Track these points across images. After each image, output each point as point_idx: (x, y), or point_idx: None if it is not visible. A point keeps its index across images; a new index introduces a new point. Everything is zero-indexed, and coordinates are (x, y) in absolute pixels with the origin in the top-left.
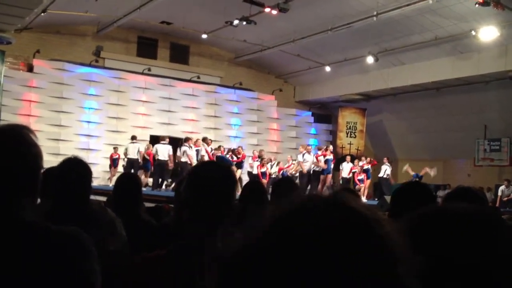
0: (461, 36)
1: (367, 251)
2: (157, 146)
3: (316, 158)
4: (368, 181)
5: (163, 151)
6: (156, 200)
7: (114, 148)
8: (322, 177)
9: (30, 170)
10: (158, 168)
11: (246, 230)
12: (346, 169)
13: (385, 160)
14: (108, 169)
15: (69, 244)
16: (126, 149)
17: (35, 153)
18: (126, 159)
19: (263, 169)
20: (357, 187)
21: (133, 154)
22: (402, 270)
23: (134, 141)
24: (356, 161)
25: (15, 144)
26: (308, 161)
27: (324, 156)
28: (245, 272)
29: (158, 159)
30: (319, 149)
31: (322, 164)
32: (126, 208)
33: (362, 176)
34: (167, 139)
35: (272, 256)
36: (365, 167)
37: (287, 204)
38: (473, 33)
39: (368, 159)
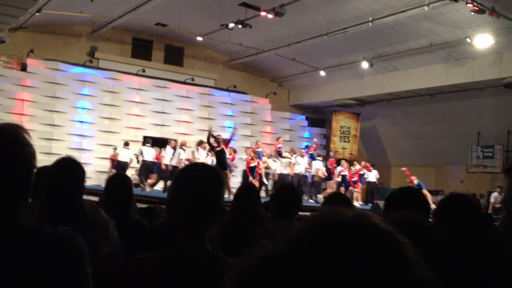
0: (456, 43)
1: (394, 271)
2: (142, 148)
3: (331, 166)
4: (363, 186)
5: (148, 153)
6: (148, 201)
7: (115, 149)
8: (328, 183)
9: (24, 171)
10: (143, 168)
11: (273, 239)
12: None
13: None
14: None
15: (61, 245)
16: (117, 153)
17: (28, 153)
18: (116, 162)
19: (253, 164)
20: (350, 188)
21: (123, 158)
22: None
23: (127, 147)
24: (346, 164)
25: (8, 144)
26: (300, 164)
27: (332, 164)
28: (270, 278)
29: (143, 160)
30: (319, 156)
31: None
32: (117, 209)
33: (355, 178)
34: (174, 143)
35: (298, 266)
36: (361, 172)
37: (317, 218)
38: (468, 40)
39: (363, 163)
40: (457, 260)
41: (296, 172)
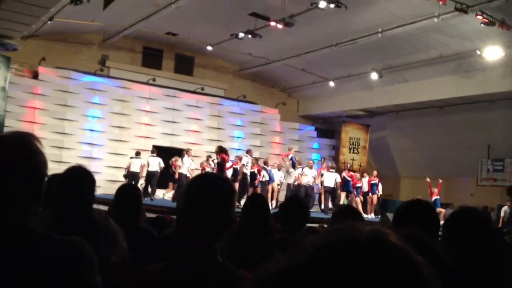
0: (465, 55)
1: None
2: (148, 158)
3: (353, 179)
4: (375, 197)
5: (154, 163)
6: (158, 211)
7: (132, 158)
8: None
9: (35, 178)
10: (148, 178)
11: (288, 253)
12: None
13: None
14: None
15: (71, 254)
16: (130, 164)
17: (40, 161)
18: (129, 172)
19: (247, 170)
20: (350, 198)
21: (135, 168)
22: None
23: (138, 156)
24: (349, 172)
25: (20, 151)
26: (308, 175)
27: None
28: None
29: (148, 170)
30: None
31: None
32: (126, 218)
33: (360, 184)
34: (191, 152)
35: (314, 282)
36: (373, 181)
37: (332, 234)
38: (478, 52)
39: (375, 172)
40: (456, 279)
41: (303, 183)
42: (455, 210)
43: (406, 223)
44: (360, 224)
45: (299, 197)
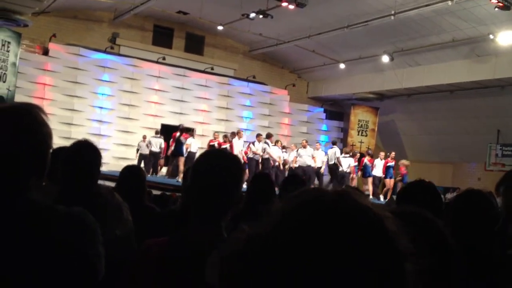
0: (479, 39)
1: (376, 247)
2: (150, 138)
3: (371, 163)
4: (392, 180)
5: (156, 143)
6: (163, 188)
7: (152, 137)
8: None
9: (39, 149)
10: (151, 157)
11: (255, 224)
12: (379, 166)
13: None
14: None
15: (73, 225)
16: (150, 142)
17: (45, 133)
18: (149, 151)
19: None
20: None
21: (155, 147)
22: (408, 267)
23: (158, 135)
24: (371, 158)
25: (26, 122)
26: (303, 156)
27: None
28: (253, 263)
29: (151, 150)
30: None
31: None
32: (130, 197)
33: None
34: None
35: (281, 249)
36: (389, 163)
37: (298, 198)
38: (491, 36)
39: (393, 154)
40: (455, 253)
41: (300, 164)
42: (460, 192)
43: (408, 203)
44: (325, 188)
45: (297, 175)
